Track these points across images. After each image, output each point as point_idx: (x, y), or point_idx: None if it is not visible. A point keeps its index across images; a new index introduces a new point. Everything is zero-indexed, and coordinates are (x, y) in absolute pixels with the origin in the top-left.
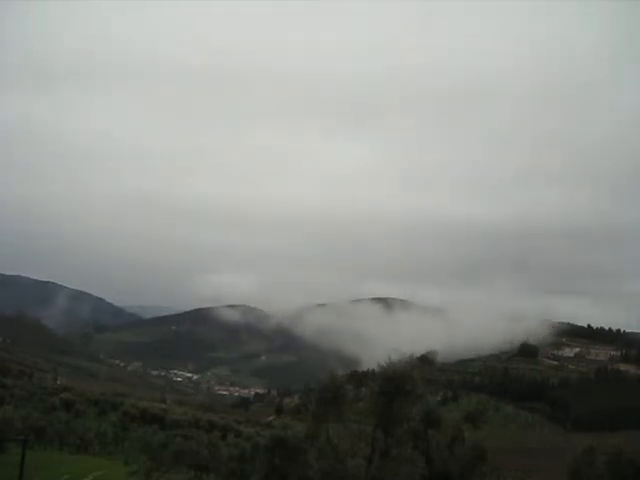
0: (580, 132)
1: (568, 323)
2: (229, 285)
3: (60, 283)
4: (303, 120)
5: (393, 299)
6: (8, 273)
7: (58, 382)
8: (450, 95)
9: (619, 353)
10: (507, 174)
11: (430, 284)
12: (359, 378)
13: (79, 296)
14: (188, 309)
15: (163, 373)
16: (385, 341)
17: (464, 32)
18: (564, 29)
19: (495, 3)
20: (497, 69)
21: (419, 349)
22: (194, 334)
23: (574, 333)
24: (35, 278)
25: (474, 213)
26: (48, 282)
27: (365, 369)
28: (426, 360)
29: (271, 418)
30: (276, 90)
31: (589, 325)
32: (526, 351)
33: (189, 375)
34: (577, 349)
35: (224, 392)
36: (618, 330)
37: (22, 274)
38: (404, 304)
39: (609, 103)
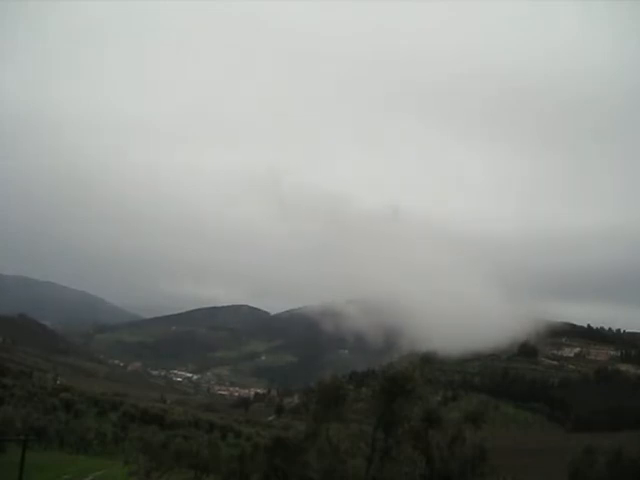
0: None
1: (568, 323)
2: (229, 285)
3: (60, 283)
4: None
5: (389, 299)
6: (8, 273)
7: (58, 382)
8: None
9: (619, 353)
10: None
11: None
12: (359, 378)
13: (79, 296)
14: (188, 309)
15: (163, 373)
16: (385, 340)
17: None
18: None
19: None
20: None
21: (419, 349)
22: (194, 334)
23: (574, 333)
24: (35, 278)
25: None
26: (48, 282)
27: (365, 369)
28: (426, 360)
29: (271, 418)
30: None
31: (589, 325)
32: (526, 351)
33: (189, 375)
34: (577, 349)
35: (224, 392)
36: (618, 330)
37: (22, 274)
38: (397, 305)
39: None
